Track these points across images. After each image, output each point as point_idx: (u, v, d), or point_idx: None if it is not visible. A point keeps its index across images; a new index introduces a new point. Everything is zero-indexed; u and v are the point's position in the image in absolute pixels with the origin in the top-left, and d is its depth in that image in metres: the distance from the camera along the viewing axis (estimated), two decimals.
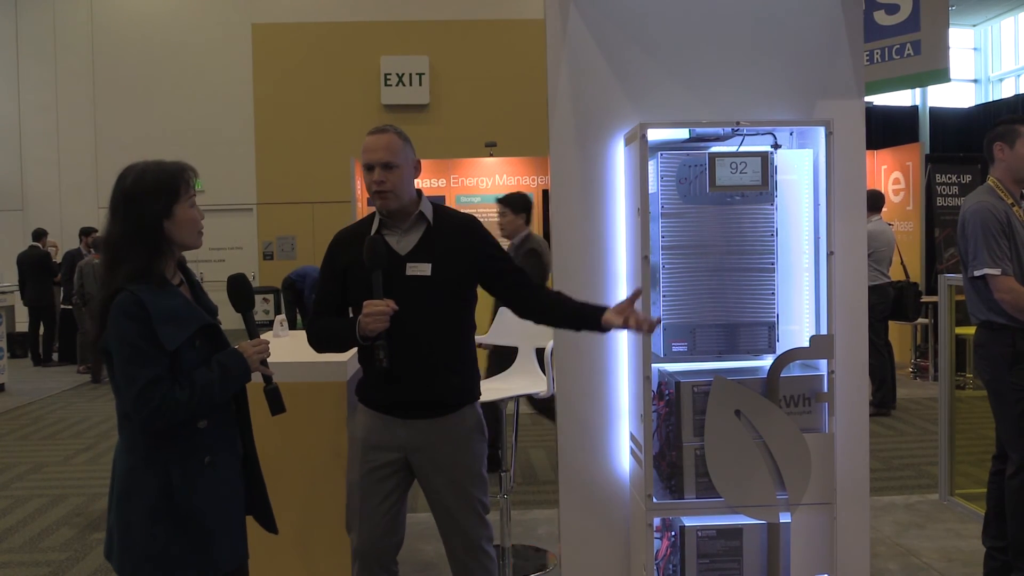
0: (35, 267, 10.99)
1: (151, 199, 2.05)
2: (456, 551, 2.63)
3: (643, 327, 2.38)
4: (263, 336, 2.26)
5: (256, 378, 2.21)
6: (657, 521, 2.54)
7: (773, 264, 2.53)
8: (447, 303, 2.54)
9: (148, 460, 2.04)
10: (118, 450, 2.11)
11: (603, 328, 2.43)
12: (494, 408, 3.73)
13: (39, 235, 11.40)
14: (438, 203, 2.71)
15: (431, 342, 2.53)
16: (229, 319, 2.26)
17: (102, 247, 2.12)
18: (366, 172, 2.56)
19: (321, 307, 2.67)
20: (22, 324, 12.28)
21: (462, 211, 2.75)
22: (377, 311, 2.41)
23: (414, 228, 2.59)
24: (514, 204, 5.24)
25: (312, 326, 2.66)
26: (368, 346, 2.47)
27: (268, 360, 2.22)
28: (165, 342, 1.99)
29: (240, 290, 2.28)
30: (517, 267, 2.67)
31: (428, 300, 2.50)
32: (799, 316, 2.64)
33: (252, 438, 2.27)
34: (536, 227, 9.50)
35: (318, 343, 2.65)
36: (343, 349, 2.63)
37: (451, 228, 2.61)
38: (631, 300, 2.40)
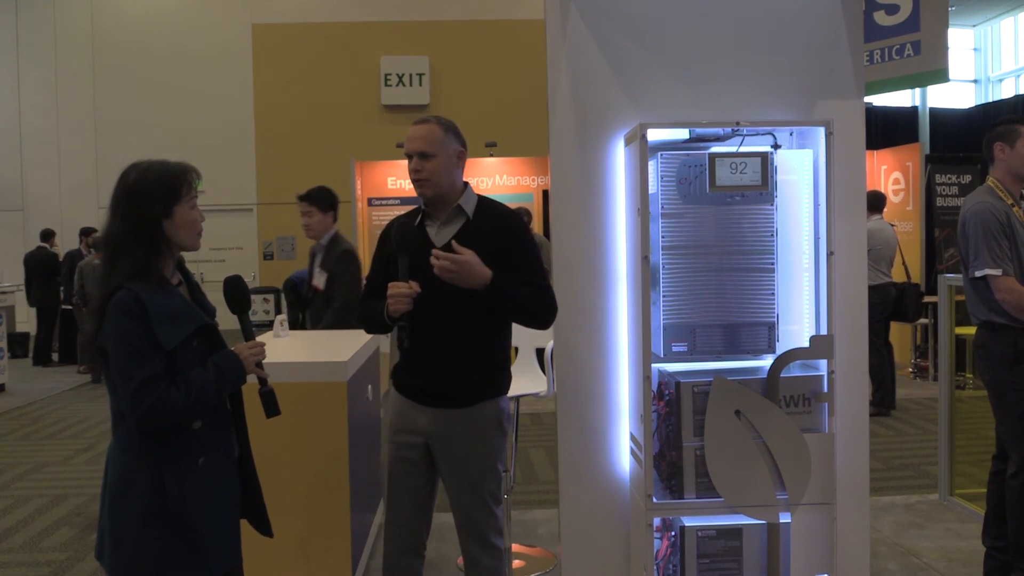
0: (42, 268, 10.98)
1: (152, 198, 2.05)
2: (465, 540, 2.69)
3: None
4: (262, 337, 2.26)
5: (252, 380, 2.21)
6: (657, 521, 2.54)
7: (773, 264, 2.53)
8: (476, 298, 2.55)
9: (142, 461, 2.03)
10: (111, 450, 2.11)
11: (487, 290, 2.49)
12: None
13: (47, 235, 11.36)
14: (486, 197, 2.73)
15: (456, 335, 2.58)
16: (226, 319, 2.26)
17: (102, 244, 2.12)
18: (408, 161, 2.64)
19: (368, 291, 2.77)
20: (22, 324, 12.28)
21: (508, 208, 2.75)
22: (399, 293, 2.50)
23: (453, 221, 2.64)
24: (320, 201, 4.62)
25: (359, 309, 2.78)
26: (394, 327, 2.57)
27: (264, 362, 2.22)
28: (163, 341, 1.98)
29: (236, 292, 2.28)
30: (536, 284, 2.60)
31: (457, 293, 2.53)
32: (799, 316, 2.64)
33: (247, 440, 2.27)
34: (537, 227, 9.53)
35: (363, 324, 2.77)
36: (382, 330, 2.70)
37: (490, 223, 2.63)
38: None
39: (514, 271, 2.58)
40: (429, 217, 2.68)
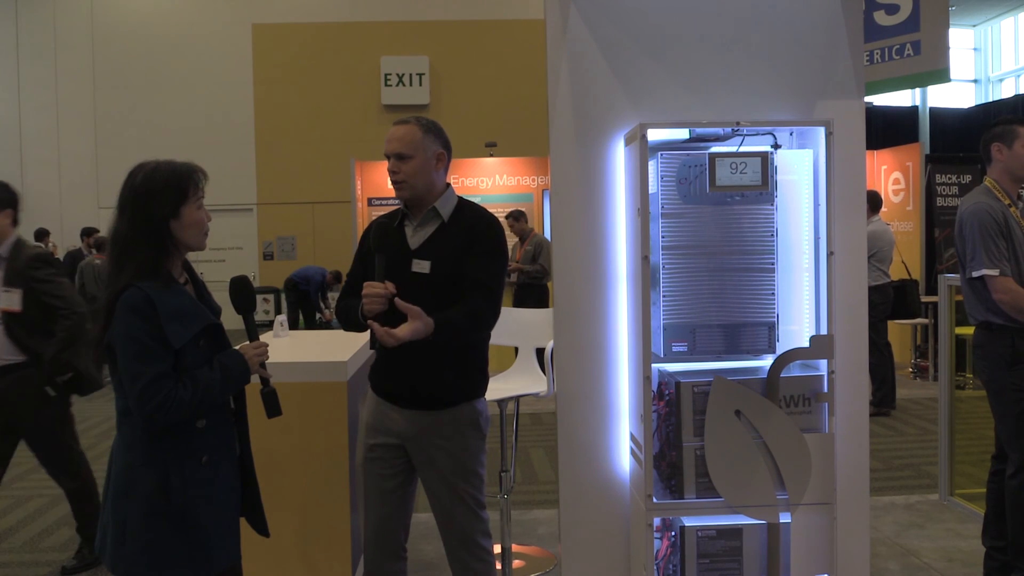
0: None
1: (159, 199, 2.07)
2: (451, 544, 2.67)
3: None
4: (262, 337, 2.27)
5: (254, 379, 2.22)
6: (657, 521, 2.54)
7: (773, 264, 2.53)
8: (447, 302, 2.54)
9: (146, 458, 2.04)
10: (116, 447, 2.12)
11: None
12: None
13: (41, 235, 11.40)
14: (467, 200, 2.73)
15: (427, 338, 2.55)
16: (228, 319, 2.27)
17: (109, 244, 2.13)
18: (387, 162, 2.65)
19: (347, 288, 2.76)
20: None
21: (487, 212, 2.74)
22: (374, 293, 2.48)
23: (429, 223, 2.65)
24: None
25: (337, 306, 2.77)
26: (366, 327, 2.54)
27: (266, 363, 2.23)
28: (172, 339, 2.00)
29: (242, 292, 2.30)
30: (477, 281, 2.58)
31: (427, 297, 2.52)
32: (799, 316, 2.64)
33: (248, 440, 2.28)
34: (536, 227, 9.53)
35: (342, 322, 2.74)
36: (357, 328, 2.68)
37: (462, 227, 2.63)
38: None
39: (467, 267, 2.56)
40: (408, 218, 2.69)
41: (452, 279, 2.55)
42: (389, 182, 2.68)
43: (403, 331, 2.39)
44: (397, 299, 2.44)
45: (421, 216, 2.65)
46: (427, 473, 2.64)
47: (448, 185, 2.70)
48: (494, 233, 2.68)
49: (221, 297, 2.27)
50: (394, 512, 2.67)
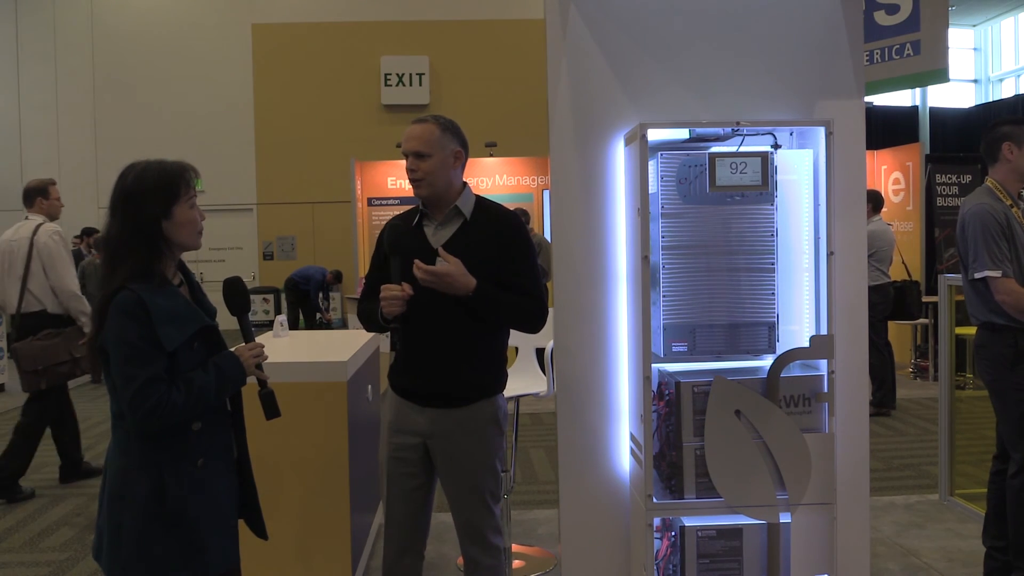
0: None
1: (150, 199, 2.05)
2: (463, 540, 2.70)
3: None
4: (262, 337, 2.26)
5: (252, 381, 2.21)
6: (657, 521, 2.54)
7: (773, 264, 2.53)
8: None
9: (141, 461, 2.03)
10: (111, 450, 2.11)
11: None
12: None
13: None
14: (484, 198, 2.74)
15: (449, 336, 2.59)
16: (225, 320, 2.26)
17: (102, 246, 2.12)
18: (405, 160, 2.67)
19: (367, 290, 2.77)
20: None
21: (507, 208, 2.76)
22: (391, 295, 2.52)
23: (451, 222, 2.66)
24: None
25: (358, 307, 2.79)
26: (387, 328, 2.59)
27: (263, 364, 2.22)
28: (165, 342, 1.98)
29: (236, 293, 2.27)
30: (527, 289, 2.63)
31: (451, 295, 2.53)
32: (799, 316, 2.64)
33: (245, 442, 2.27)
34: (536, 227, 9.54)
35: (363, 323, 2.77)
36: (379, 329, 2.70)
37: (487, 224, 2.64)
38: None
39: (507, 275, 2.59)
40: (427, 217, 2.69)
41: (479, 276, 2.55)
42: (407, 181, 2.70)
43: (438, 267, 2.47)
44: (440, 249, 2.55)
45: (443, 215, 2.65)
46: (447, 469, 2.66)
47: (465, 184, 2.71)
48: (522, 233, 2.69)
49: (219, 298, 2.27)
50: (416, 510, 2.70)
